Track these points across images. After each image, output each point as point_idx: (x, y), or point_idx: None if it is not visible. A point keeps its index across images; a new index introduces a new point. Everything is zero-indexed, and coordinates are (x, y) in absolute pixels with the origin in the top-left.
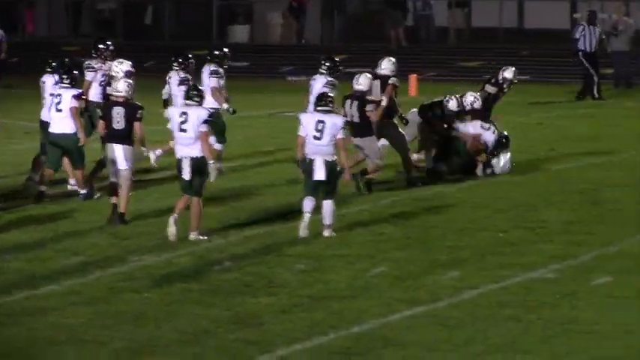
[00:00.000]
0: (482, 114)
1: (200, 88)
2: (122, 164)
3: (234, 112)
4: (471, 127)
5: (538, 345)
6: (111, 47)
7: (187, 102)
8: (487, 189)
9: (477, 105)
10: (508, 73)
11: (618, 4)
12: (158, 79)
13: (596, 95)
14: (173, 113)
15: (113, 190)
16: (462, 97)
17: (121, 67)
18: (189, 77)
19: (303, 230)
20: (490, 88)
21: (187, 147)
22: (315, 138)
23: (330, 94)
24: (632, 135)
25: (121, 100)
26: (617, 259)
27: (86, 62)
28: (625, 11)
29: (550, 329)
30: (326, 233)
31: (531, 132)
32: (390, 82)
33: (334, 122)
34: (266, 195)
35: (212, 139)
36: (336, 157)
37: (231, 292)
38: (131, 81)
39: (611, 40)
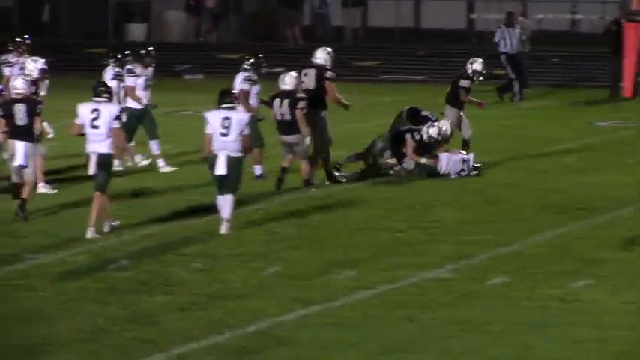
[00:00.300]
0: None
1: (107, 84)
2: (21, 160)
3: (154, 106)
4: (459, 163)
5: (433, 344)
6: (27, 41)
7: (96, 99)
8: (382, 189)
9: (447, 131)
10: (477, 65)
11: (515, 5)
12: (57, 76)
13: (517, 98)
14: (84, 110)
15: (16, 191)
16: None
17: (35, 64)
18: (122, 73)
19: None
20: (465, 83)
21: (97, 143)
22: (222, 135)
23: (233, 91)
24: (524, 136)
25: (20, 96)
26: (513, 260)
27: (2, 57)
28: (522, 12)
29: (446, 329)
30: (222, 229)
31: None
32: (327, 75)
33: (240, 118)
34: (162, 194)
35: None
36: (240, 154)
37: (128, 290)
38: (41, 78)
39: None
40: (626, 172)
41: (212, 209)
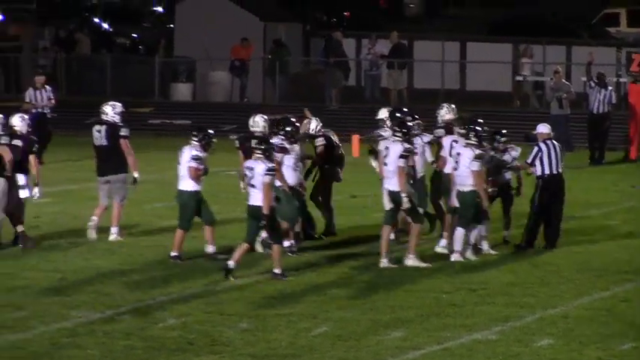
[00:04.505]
0: None
1: (407, 123)
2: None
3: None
4: None
5: None
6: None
7: (393, 137)
8: (430, 250)
9: None
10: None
11: (557, 68)
12: None
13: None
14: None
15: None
16: None
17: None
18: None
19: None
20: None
21: (388, 179)
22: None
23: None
24: (567, 199)
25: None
26: (559, 322)
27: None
28: (564, 74)
29: None
30: (453, 257)
31: None
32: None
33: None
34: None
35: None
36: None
37: (175, 349)
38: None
39: (552, 103)
40: None
41: (257, 268)
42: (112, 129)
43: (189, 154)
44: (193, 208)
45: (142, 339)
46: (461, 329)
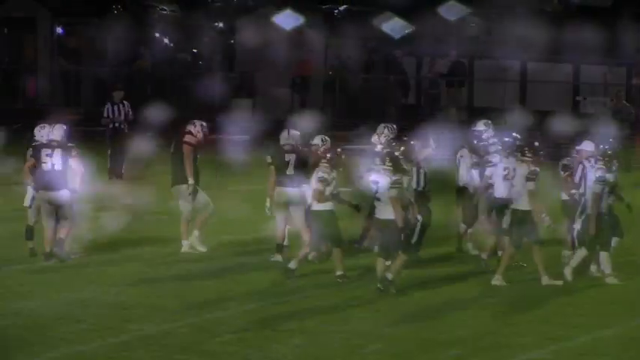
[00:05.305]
0: None
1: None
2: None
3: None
4: None
5: None
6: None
7: (522, 158)
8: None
9: None
10: None
11: (617, 89)
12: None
13: None
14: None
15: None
16: None
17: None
18: None
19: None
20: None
21: (515, 199)
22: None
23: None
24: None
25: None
26: (613, 343)
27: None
28: (624, 97)
29: None
30: (608, 280)
31: None
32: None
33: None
34: (261, 270)
35: None
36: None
37: None
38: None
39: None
40: None
41: (313, 288)
42: (178, 138)
43: (316, 175)
44: (330, 225)
45: (198, 353)
46: (515, 349)
